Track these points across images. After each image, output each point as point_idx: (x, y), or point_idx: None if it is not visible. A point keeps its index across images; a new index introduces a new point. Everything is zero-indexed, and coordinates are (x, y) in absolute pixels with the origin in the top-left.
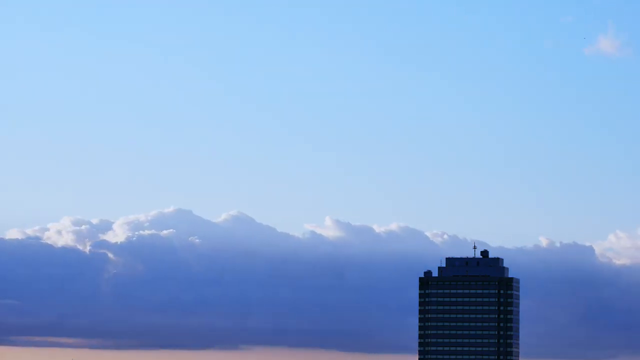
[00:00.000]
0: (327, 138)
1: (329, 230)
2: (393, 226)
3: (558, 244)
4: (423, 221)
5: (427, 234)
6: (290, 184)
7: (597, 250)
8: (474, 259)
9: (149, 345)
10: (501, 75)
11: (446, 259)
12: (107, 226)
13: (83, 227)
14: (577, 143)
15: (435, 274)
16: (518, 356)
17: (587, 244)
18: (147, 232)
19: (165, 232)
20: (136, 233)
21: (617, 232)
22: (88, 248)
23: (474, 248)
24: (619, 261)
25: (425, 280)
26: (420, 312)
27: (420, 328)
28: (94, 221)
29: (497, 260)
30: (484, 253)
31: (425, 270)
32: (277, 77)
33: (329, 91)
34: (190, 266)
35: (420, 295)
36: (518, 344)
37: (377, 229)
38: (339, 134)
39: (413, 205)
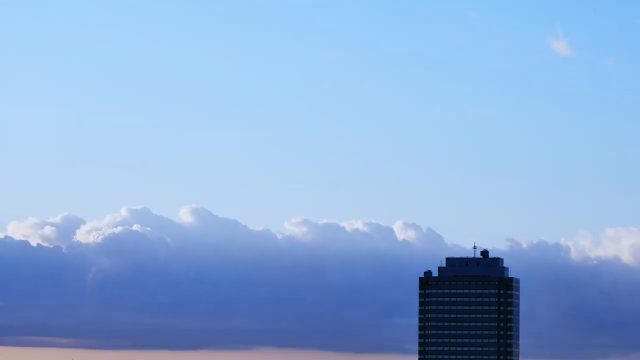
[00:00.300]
0: (291, 136)
1: (303, 227)
2: (359, 224)
3: (525, 245)
4: (390, 217)
5: (394, 229)
6: (251, 180)
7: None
8: (474, 259)
9: (133, 345)
10: (488, 76)
11: (446, 259)
12: (72, 226)
13: (46, 228)
14: (557, 142)
15: (435, 274)
16: (518, 356)
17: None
18: (118, 229)
19: (136, 229)
20: (108, 232)
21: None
22: (65, 248)
23: (474, 248)
24: (594, 255)
25: (425, 280)
26: (420, 312)
27: (420, 328)
28: (53, 220)
29: (497, 260)
30: (484, 253)
31: (426, 270)
32: (234, 74)
33: (292, 89)
34: (169, 265)
35: (420, 295)
36: (518, 344)
37: (348, 227)
38: (305, 132)
39: (378, 201)
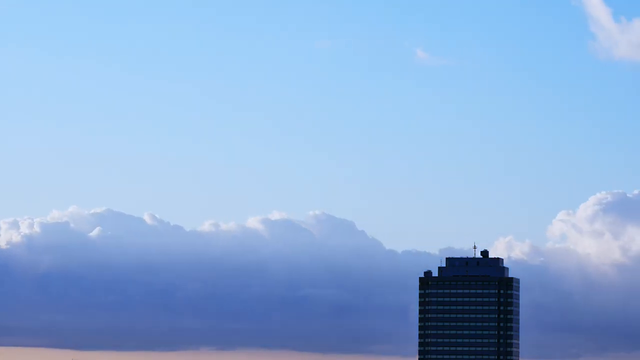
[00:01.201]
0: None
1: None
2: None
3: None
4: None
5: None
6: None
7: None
8: (473, 259)
9: (78, 345)
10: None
11: (446, 259)
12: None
13: None
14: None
15: (435, 274)
16: (518, 356)
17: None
18: (55, 227)
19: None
20: (46, 230)
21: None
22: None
23: (474, 248)
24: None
25: (425, 280)
26: (420, 312)
27: (420, 328)
28: None
29: (497, 260)
30: (484, 253)
31: (426, 270)
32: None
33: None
34: (115, 263)
35: (421, 295)
36: (518, 344)
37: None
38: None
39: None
